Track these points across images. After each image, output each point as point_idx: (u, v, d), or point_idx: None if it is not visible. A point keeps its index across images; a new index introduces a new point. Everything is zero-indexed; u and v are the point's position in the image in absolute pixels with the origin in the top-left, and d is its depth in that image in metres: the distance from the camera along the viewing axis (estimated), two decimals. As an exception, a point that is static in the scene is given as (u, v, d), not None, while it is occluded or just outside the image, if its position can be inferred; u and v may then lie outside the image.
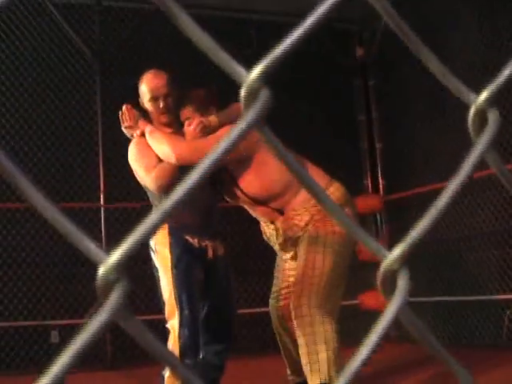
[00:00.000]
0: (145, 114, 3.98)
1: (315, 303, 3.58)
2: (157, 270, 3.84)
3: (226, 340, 3.97)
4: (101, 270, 0.51)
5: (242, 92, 0.57)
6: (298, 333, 3.59)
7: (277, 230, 3.83)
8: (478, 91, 0.71)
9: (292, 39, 0.60)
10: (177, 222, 3.78)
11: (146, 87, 3.89)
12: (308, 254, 3.68)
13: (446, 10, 6.99)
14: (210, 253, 3.88)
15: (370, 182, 8.22)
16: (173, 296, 3.70)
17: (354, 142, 8.26)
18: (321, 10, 0.63)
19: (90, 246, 0.53)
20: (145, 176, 3.83)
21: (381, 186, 8.13)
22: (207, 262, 3.87)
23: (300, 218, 3.73)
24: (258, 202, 3.80)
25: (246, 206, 3.94)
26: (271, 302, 4.07)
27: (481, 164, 0.70)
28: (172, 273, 3.73)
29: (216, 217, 4.03)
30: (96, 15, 7.26)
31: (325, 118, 7.80)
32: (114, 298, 0.51)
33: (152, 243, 3.82)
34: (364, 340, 0.61)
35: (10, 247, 6.68)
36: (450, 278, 6.98)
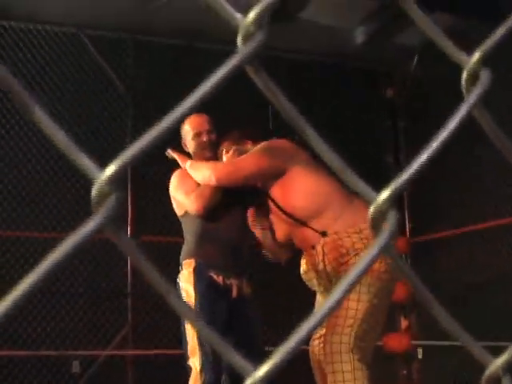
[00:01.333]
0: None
1: (346, 348, 3.27)
2: None
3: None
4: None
5: (371, 211, 0.61)
6: (330, 378, 3.30)
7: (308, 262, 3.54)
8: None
9: (419, 163, 0.66)
10: (203, 259, 3.79)
11: (189, 125, 3.99)
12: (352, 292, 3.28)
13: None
14: (235, 292, 3.80)
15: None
16: (196, 335, 3.61)
17: (381, 183, 8.23)
18: (440, 138, 0.68)
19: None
20: (184, 199, 3.85)
21: (408, 229, 8.10)
22: (232, 300, 3.80)
23: (341, 244, 3.40)
24: (297, 220, 3.55)
25: (286, 233, 3.70)
26: (310, 342, 3.69)
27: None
28: (195, 311, 3.66)
29: (244, 254, 3.95)
30: (130, 50, 7.36)
31: (352, 159, 7.78)
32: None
33: (178, 279, 3.82)
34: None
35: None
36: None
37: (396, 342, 7.56)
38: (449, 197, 7.38)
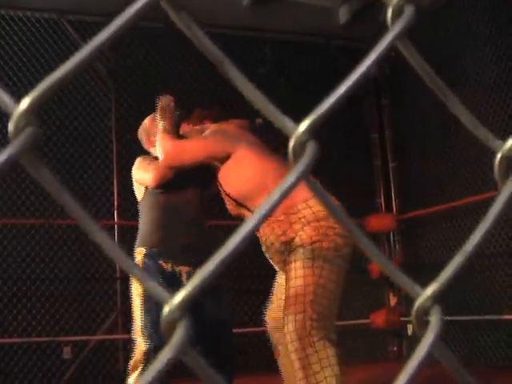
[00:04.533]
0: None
1: (310, 325, 3.25)
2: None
3: (227, 364, 3.86)
4: (165, 309, 0.56)
5: (291, 144, 0.61)
6: (293, 356, 3.28)
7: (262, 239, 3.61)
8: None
9: (337, 96, 0.65)
10: (154, 247, 3.87)
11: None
12: (299, 268, 3.37)
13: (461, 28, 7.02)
14: (184, 278, 3.84)
15: (383, 200, 8.22)
16: (138, 323, 3.75)
17: (367, 160, 8.27)
18: (362, 68, 0.67)
19: (155, 287, 0.58)
20: (143, 174, 3.93)
21: (394, 205, 8.13)
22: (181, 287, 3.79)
23: (279, 225, 3.48)
24: (240, 203, 3.65)
25: (235, 214, 3.78)
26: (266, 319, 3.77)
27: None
28: (140, 299, 3.77)
29: (199, 241, 3.93)
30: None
31: (338, 136, 7.82)
32: (178, 336, 0.55)
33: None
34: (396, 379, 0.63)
35: (23, 263, 6.73)
36: (463, 297, 6.94)
37: (383, 319, 7.59)
38: (436, 172, 7.39)
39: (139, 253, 3.88)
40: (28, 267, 6.75)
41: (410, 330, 7.72)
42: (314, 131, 0.62)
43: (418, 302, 0.66)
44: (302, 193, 3.38)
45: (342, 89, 0.65)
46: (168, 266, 3.86)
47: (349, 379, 3.38)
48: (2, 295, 6.66)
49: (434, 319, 0.66)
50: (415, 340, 7.48)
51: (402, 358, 7.65)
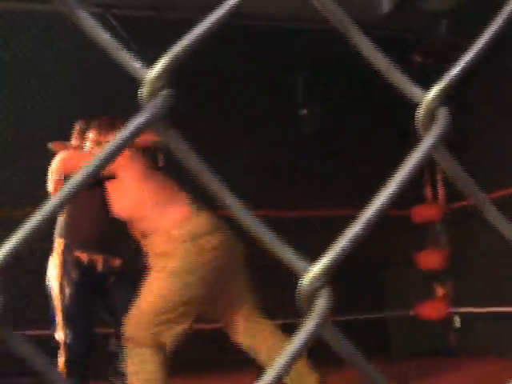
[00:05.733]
0: None
1: (137, 333, 3.55)
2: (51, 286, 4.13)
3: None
4: (305, 278, 0.52)
5: (420, 112, 0.58)
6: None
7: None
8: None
9: (464, 64, 0.63)
10: (70, 239, 4.14)
11: None
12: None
13: None
14: (100, 266, 4.15)
15: (429, 190, 8.15)
16: (61, 309, 4.00)
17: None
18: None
19: (291, 256, 0.54)
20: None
21: (441, 195, 8.05)
22: (98, 274, 4.16)
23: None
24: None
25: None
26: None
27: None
28: (60, 291, 4.03)
29: (109, 230, 4.17)
30: (156, 27, 7.35)
31: (385, 126, 7.75)
32: (320, 307, 0.52)
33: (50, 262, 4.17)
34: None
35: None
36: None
37: (429, 310, 7.53)
38: (484, 161, 7.29)
39: (58, 244, 4.15)
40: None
41: (457, 321, 7.65)
42: (444, 98, 0.59)
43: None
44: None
45: (469, 56, 0.63)
46: (84, 256, 4.12)
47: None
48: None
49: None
50: (463, 331, 7.43)
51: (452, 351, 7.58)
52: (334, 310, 0.54)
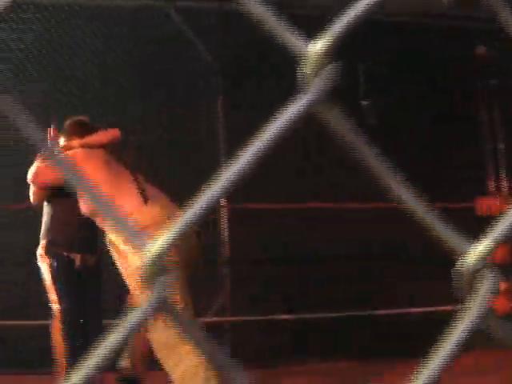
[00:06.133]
0: None
1: None
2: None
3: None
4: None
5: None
6: None
7: None
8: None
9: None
10: (52, 239, 4.59)
11: None
12: None
13: None
14: (78, 262, 4.60)
15: (493, 183, 8.00)
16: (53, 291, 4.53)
17: (477, 142, 8.06)
18: None
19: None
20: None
21: (504, 187, 7.91)
22: (78, 270, 4.61)
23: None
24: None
25: None
26: None
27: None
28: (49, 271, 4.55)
29: (86, 231, 4.51)
30: (216, 18, 7.36)
31: (448, 119, 7.64)
32: (485, 290, 0.51)
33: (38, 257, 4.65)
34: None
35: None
36: None
37: (495, 306, 7.39)
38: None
39: (43, 244, 4.60)
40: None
41: (520, 316, 7.49)
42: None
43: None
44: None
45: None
46: (64, 254, 4.56)
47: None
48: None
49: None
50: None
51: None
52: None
